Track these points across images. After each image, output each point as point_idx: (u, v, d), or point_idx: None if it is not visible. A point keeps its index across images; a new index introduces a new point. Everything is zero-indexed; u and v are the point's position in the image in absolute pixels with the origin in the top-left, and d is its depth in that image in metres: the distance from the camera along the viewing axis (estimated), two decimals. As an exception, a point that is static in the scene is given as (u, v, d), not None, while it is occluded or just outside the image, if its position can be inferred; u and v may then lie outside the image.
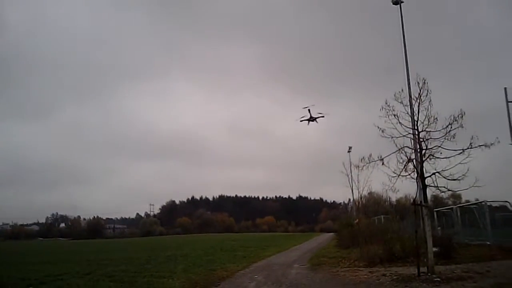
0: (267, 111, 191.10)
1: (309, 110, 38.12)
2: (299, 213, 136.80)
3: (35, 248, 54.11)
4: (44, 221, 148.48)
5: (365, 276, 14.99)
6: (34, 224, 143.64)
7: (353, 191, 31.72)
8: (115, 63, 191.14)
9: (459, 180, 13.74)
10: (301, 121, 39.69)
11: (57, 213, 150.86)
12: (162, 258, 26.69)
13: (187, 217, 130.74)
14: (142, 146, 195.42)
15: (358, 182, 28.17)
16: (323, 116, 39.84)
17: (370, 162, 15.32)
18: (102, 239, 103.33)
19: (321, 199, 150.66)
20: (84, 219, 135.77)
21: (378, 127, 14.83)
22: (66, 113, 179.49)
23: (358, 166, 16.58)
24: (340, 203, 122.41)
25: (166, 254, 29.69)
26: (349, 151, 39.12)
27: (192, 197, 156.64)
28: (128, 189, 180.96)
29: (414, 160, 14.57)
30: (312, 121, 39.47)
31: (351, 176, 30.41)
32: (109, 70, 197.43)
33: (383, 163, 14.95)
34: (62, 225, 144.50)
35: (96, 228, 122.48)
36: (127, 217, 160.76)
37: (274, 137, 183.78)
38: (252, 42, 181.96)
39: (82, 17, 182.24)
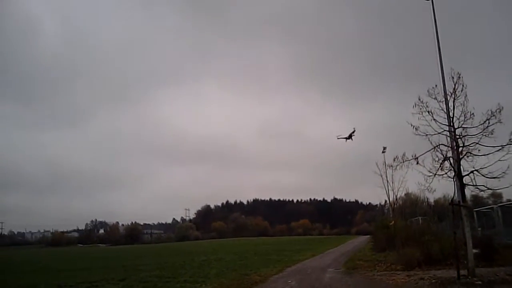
0: (299, 113, 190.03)
1: (351, 134, 39.57)
2: (334, 216, 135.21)
3: (74, 254, 55.42)
4: (83, 227, 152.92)
5: (403, 280, 14.49)
6: (74, 231, 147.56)
7: (388, 192, 31.03)
8: (147, 70, 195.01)
9: (499, 178, 13.14)
10: (338, 138, 41.31)
11: (96, 219, 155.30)
12: (196, 262, 26.75)
13: (222, 221, 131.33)
14: (176, 151, 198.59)
15: (393, 182, 27.51)
16: (354, 132, 41.64)
17: (404, 162, 14.87)
18: (139, 244, 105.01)
19: (357, 201, 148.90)
20: (122, 225, 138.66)
21: (412, 125, 14.39)
22: (101, 120, 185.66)
23: (391, 166, 16.13)
24: (376, 205, 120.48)
25: (201, 259, 29.77)
26: (383, 152, 38.21)
27: (227, 201, 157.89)
28: (164, 194, 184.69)
29: (450, 158, 14.03)
30: (349, 138, 41.02)
31: (386, 176, 29.73)
32: (142, 77, 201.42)
33: (417, 162, 14.47)
34: (101, 231, 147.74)
35: (134, 234, 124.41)
36: (163, 222, 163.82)
37: (307, 139, 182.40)
38: (282, 44, 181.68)
39: (115, 25, 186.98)
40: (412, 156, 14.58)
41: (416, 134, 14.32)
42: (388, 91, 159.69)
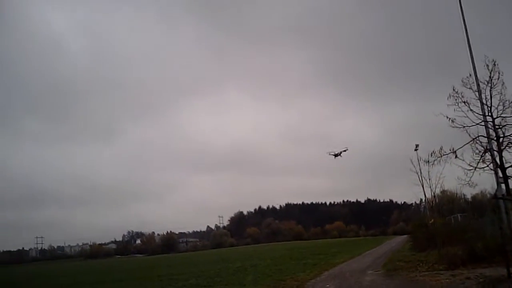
0: (323, 115, 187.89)
1: (341, 152, 44.31)
2: (369, 217, 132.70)
3: (111, 266, 56.19)
4: (120, 239, 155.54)
5: (447, 280, 13.81)
6: (112, 242, 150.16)
7: (425, 189, 30.00)
8: (171, 81, 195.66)
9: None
10: (329, 154, 45.75)
11: (132, 230, 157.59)
12: (232, 269, 26.50)
13: (255, 227, 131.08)
14: (205, 159, 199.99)
15: (429, 179, 26.54)
16: (345, 150, 45.63)
17: (441, 156, 14.23)
18: (175, 253, 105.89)
19: (391, 201, 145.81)
20: (158, 234, 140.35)
21: (448, 117, 13.75)
22: (130, 133, 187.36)
23: (428, 161, 15.48)
24: (412, 204, 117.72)
25: (236, 266, 29.52)
26: (416, 149, 37.11)
27: (259, 207, 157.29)
28: (197, 203, 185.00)
29: (491, 150, 13.31)
30: (339, 155, 44.90)
31: (421, 173, 28.77)
32: (167, 88, 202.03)
33: (456, 156, 13.82)
34: (138, 241, 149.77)
35: (170, 243, 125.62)
36: (198, 230, 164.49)
37: (333, 141, 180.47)
38: (302, 47, 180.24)
39: (137, 38, 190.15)
40: (450, 150, 13.93)
41: (453, 127, 13.72)
42: (415, 88, 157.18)
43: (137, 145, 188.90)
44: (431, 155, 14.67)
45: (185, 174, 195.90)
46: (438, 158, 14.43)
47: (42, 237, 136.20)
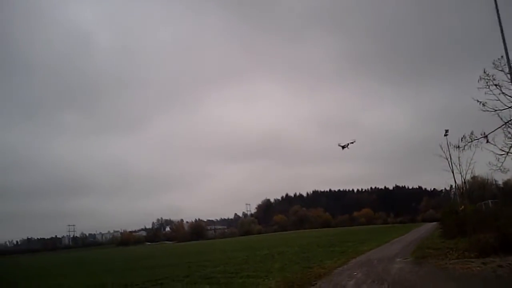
0: (354, 102, 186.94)
1: (348, 145, 44.89)
2: (397, 204, 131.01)
3: (141, 253, 57.38)
4: (150, 226, 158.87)
5: (479, 268, 13.52)
6: (142, 230, 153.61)
7: (455, 175, 29.39)
8: (199, 72, 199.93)
9: None
10: (339, 145, 47.08)
11: (161, 218, 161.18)
12: (259, 257, 26.63)
13: (282, 215, 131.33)
14: (233, 148, 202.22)
15: (460, 165, 25.96)
16: (353, 142, 46.54)
17: (472, 141, 13.85)
18: (204, 240, 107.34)
19: (420, 188, 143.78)
20: (187, 222, 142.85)
21: (478, 101, 13.34)
22: (159, 123, 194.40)
23: (458, 147, 15.10)
24: (441, 190, 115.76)
25: (263, 253, 29.67)
26: (445, 135, 36.26)
27: (286, 195, 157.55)
28: (225, 191, 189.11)
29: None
30: (346, 147, 46.05)
31: (451, 159, 28.16)
32: (194, 79, 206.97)
33: (487, 141, 13.42)
34: (168, 229, 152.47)
35: (198, 230, 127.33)
36: (226, 217, 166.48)
37: (364, 128, 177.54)
38: (334, 33, 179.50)
39: (166, 31, 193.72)
40: (481, 135, 13.52)
41: (484, 111, 13.30)
42: (446, 73, 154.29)
43: (168, 135, 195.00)
44: (462, 140, 14.31)
45: (214, 163, 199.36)
46: (469, 143, 14.08)
47: (74, 225, 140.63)
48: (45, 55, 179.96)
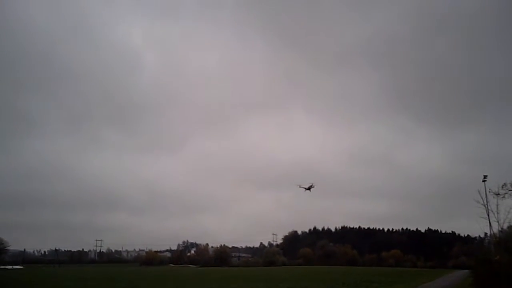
0: (388, 139, 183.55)
1: (310, 187, 48.52)
2: (428, 248, 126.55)
3: (165, 274, 57.51)
4: (175, 247, 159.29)
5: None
6: (167, 250, 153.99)
7: (491, 223, 28.31)
8: (239, 97, 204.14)
9: None
10: (300, 187, 51.23)
11: (187, 240, 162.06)
12: (281, 290, 26.20)
13: (309, 248, 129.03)
14: (265, 176, 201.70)
15: (497, 213, 25.01)
16: (312, 186, 50.36)
17: (513, 189, 13.34)
18: (227, 267, 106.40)
19: (453, 233, 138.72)
20: (212, 247, 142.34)
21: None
22: (195, 145, 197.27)
23: (498, 194, 14.58)
24: (475, 238, 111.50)
25: (285, 286, 29.17)
26: (484, 180, 35.15)
27: (314, 228, 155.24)
28: (252, 218, 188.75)
29: None
30: (308, 189, 50.26)
31: (488, 206, 27.16)
32: (234, 104, 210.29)
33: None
34: (192, 252, 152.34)
35: (222, 256, 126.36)
36: (251, 246, 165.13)
37: (398, 167, 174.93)
38: (370, 69, 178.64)
39: (211, 55, 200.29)
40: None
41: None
42: (489, 118, 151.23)
43: (203, 157, 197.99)
44: (502, 188, 13.81)
45: (245, 189, 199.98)
46: (510, 191, 13.55)
47: (101, 240, 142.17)
48: (93, 71, 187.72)
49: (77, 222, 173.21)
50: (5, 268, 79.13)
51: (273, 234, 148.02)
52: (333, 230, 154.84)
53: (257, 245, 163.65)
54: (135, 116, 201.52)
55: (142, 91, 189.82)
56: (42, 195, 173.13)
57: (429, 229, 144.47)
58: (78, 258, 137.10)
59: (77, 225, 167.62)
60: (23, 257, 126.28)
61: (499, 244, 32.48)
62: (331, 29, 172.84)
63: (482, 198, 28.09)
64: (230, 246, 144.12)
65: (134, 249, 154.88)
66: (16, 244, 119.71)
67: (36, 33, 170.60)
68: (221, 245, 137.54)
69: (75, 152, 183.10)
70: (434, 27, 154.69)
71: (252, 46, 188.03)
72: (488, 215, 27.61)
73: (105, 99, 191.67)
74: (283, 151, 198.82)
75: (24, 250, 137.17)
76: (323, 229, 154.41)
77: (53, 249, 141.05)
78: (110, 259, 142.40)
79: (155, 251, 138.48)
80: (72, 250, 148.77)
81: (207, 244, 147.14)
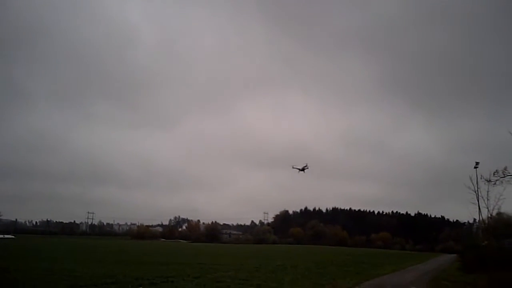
0: (384, 125, 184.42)
1: (304, 168, 47.99)
2: (417, 231, 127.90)
3: (156, 248, 57.96)
4: (167, 223, 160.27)
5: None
6: (158, 225, 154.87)
7: (481, 209, 28.62)
8: (235, 78, 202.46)
9: None
10: (293, 168, 50.55)
11: (179, 216, 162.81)
12: (272, 267, 26.46)
13: (299, 228, 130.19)
14: (258, 156, 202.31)
15: (487, 199, 25.22)
16: (306, 166, 50.01)
17: (504, 176, 13.44)
18: (218, 243, 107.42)
19: (443, 218, 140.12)
20: (203, 223, 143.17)
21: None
22: (190, 124, 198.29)
23: (489, 180, 14.68)
24: (464, 223, 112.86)
25: (276, 264, 29.46)
26: (476, 167, 35.43)
27: (305, 208, 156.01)
28: (244, 197, 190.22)
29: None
30: (302, 171, 49.76)
31: (479, 192, 27.40)
32: (231, 84, 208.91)
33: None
34: (184, 227, 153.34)
35: (213, 233, 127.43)
36: (242, 224, 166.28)
37: (391, 151, 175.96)
38: (367, 55, 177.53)
39: (205, 35, 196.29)
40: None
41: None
42: (483, 105, 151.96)
43: (197, 135, 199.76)
44: (494, 175, 13.89)
45: (239, 168, 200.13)
46: (501, 178, 13.64)
47: (93, 213, 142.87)
48: (89, 45, 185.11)
49: (69, 194, 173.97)
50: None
51: (265, 213, 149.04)
52: (324, 211, 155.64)
53: (248, 223, 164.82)
54: (130, 92, 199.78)
55: (138, 67, 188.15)
56: (33, 168, 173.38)
57: (419, 213, 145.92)
58: (69, 229, 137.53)
59: (69, 197, 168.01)
60: (15, 227, 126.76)
61: (488, 230, 32.92)
62: (330, 13, 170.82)
63: (473, 184, 28.38)
64: (221, 223, 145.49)
65: (126, 223, 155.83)
66: (8, 214, 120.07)
67: (31, 6, 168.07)
68: (212, 221, 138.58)
69: (69, 126, 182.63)
70: (432, 14, 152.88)
71: (250, 26, 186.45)
72: (478, 201, 27.92)
73: (100, 74, 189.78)
74: (278, 132, 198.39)
75: (16, 220, 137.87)
76: (314, 209, 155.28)
77: (45, 220, 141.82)
78: (102, 232, 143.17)
79: (147, 226, 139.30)
80: (64, 221, 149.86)
81: (198, 221, 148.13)
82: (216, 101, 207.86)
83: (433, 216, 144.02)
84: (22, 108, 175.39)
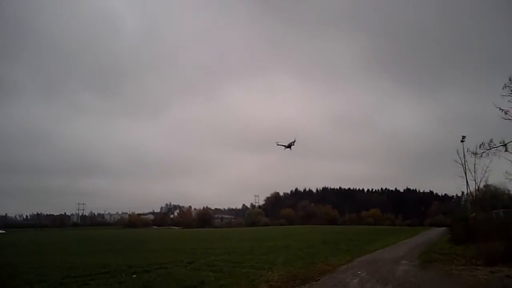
0: (370, 102, 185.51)
1: (290, 144, 45.97)
2: (407, 206, 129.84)
3: (148, 236, 57.98)
4: (158, 210, 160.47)
5: (485, 276, 13.32)
6: (150, 213, 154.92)
7: (468, 182, 29.03)
8: (219, 61, 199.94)
9: None
10: (278, 144, 48.04)
11: (170, 203, 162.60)
12: (264, 249, 26.62)
13: (290, 209, 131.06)
14: (247, 139, 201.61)
15: (474, 172, 25.59)
16: (293, 143, 47.83)
17: (490, 149, 13.59)
18: (210, 228, 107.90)
19: (431, 192, 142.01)
20: (195, 209, 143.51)
21: (501, 109, 13.06)
22: (176, 110, 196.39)
23: (476, 153, 14.85)
24: (453, 196, 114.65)
25: (268, 245, 29.65)
26: (462, 141, 35.77)
27: (296, 189, 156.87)
28: (234, 181, 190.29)
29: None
30: (288, 148, 47.31)
31: (466, 165, 27.77)
32: (217, 68, 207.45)
33: (506, 149, 13.14)
34: (175, 214, 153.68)
35: (205, 218, 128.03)
36: (234, 207, 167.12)
37: (379, 129, 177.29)
38: (352, 33, 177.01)
39: (188, 18, 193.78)
40: (500, 143, 13.25)
41: (505, 119, 12.98)
42: (466, 79, 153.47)
43: (184, 121, 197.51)
44: (480, 147, 14.04)
45: (228, 153, 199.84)
46: (487, 151, 13.81)
47: (83, 204, 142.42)
48: (72, 35, 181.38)
49: (58, 186, 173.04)
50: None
51: (255, 196, 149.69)
52: (314, 191, 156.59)
53: (239, 206, 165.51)
54: (115, 81, 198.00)
55: (123, 55, 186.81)
56: (19, 161, 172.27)
57: (408, 189, 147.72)
58: (60, 222, 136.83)
59: (58, 190, 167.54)
60: (5, 222, 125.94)
61: (475, 202, 33.44)
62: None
63: (460, 158, 28.74)
64: (213, 208, 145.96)
65: (117, 212, 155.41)
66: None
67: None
68: (204, 207, 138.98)
69: (54, 117, 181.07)
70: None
71: (233, 9, 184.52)
72: (466, 174, 28.34)
73: (84, 63, 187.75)
74: (265, 115, 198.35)
75: (6, 215, 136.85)
76: (304, 190, 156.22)
77: (35, 213, 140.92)
78: (93, 223, 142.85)
79: (138, 214, 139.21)
80: (54, 214, 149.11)
81: (190, 206, 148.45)
82: (203, 85, 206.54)
83: (422, 191, 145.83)
84: (5, 101, 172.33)
